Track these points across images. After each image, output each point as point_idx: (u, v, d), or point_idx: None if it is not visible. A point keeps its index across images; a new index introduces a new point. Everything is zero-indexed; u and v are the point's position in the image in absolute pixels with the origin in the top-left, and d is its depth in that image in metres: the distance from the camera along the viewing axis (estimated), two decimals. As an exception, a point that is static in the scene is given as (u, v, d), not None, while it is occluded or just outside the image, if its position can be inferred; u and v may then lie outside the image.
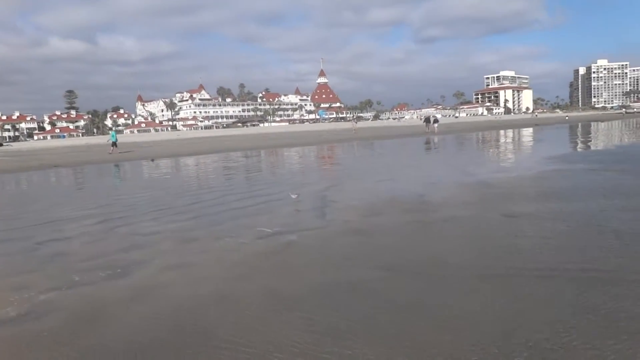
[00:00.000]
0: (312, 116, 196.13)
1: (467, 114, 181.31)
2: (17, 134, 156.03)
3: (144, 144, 46.48)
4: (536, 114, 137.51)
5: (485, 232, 6.38)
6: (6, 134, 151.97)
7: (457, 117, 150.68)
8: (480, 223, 6.84)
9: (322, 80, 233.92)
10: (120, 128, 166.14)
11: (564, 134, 36.71)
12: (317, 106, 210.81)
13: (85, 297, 4.78)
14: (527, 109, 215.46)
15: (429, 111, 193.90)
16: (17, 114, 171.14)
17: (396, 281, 4.73)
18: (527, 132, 40.38)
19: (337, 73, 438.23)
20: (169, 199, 10.91)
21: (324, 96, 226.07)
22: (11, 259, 6.41)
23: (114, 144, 32.60)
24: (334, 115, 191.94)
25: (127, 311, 4.37)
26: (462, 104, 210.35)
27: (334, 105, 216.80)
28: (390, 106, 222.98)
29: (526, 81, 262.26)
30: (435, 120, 45.84)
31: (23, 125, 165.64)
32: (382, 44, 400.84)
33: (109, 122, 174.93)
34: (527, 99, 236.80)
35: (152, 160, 25.37)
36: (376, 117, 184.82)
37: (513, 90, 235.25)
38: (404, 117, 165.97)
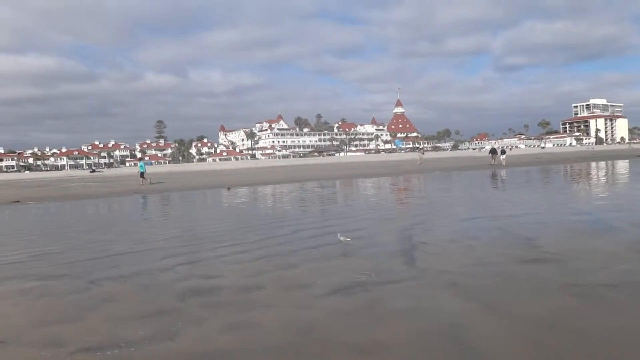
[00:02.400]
0: (388, 146, 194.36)
1: (554, 145, 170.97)
2: (111, 160, 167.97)
3: (223, 172, 47.33)
4: (630, 143, 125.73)
5: None
6: (102, 160, 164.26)
7: (543, 147, 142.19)
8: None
9: (398, 110, 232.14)
10: (203, 156, 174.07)
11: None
12: (394, 136, 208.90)
13: (120, 367, 3.80)
14: (622, 139, 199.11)
15: (511, 141, 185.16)
16: (112, 142, 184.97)
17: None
18: (628, 165, 36.26)
19: (414, 103, 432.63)
20: (239, 233, 10.04)
21: (400, 126, 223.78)
22: (57, 301, 5.66)
23: (142, 174, 30.18)
24: (411, 145, 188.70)
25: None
26: (548, 133, 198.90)
27: (410, 135, 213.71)
28: (470, 136, 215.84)
29: (620, 109, 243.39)
30: (503, 152, 42.25)
31: (117, 153, 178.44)
32: (460, 73, 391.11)
33: (193, 151, 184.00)
34: (621, 128, 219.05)
35: (228, 189, 25.18)
36: (455, 147, 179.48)
37: (605, 119, 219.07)
38: (484, 148, 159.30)
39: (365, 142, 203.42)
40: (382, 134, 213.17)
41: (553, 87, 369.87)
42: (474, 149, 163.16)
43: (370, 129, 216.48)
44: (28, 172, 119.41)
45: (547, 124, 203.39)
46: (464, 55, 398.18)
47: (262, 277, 6.31)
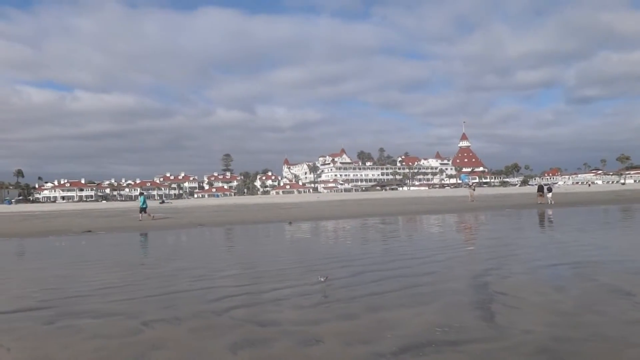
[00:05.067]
0: (453, 180, 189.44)
1: (635, 181, 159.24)
2: (180, 192, 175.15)
3: (285, 205, 47.59)
4: None
5: None
6: (172, 191, 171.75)
7: (623, 183, 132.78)
8: None
9: (464, 143, 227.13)
10: (267, 189, 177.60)
11: None
12: (459, 170, 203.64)
13: None
14: None
15: (587, 177, 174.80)
16: (182, 174, 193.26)
17: None
18: None
19: (480, 136, 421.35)
20: (299, 273, 9.57)
21: (465, 160, 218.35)
22: (107, 344, 5.38)
23: (143, 210, 28.68)
24: (477, 180, 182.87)
25: None
26: (628, 169, 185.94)
27: (477, 169, 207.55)
28: (541, 171, 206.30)
29: None
30: (549, 189, 38.44)
31: (186, 184, 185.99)
32: (530, 106, 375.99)
33: (258, 183, 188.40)
34: None
35: (290, 223, 25.02)
36: (524, 182, 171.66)
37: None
38: (557, 183, 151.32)
39: (429, 176, 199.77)
40: (446, 169, 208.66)
41: (632, 120, 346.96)
42: (545, 184, 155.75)
43: (434, 163, 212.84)
44: (105, 201, 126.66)
45: (627, 158, 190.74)
46: (534, 88, 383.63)
47: (320, 327, 5.77)
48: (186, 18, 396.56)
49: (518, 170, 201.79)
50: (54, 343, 5.50)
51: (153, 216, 29.33)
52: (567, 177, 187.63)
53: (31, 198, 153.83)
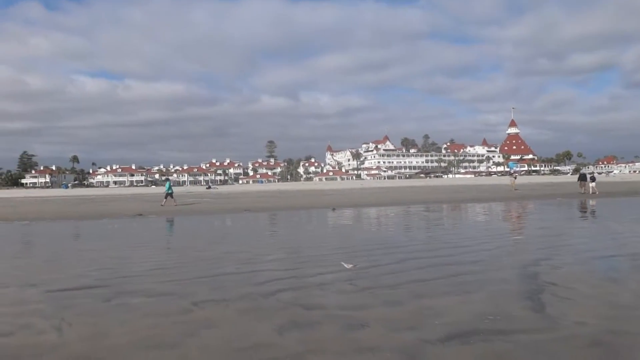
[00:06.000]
0: (500, 168, 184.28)
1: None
2: (226, 177, 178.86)
3: (329, 192, 47.79)
4: None
5: None
6: (218, 177, 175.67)
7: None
8: None
9: (512, 130, 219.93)
10: (310, 176, 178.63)
11: None
12: (507, 158, 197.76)
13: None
14: None
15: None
16: (228, 160, 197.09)
17: None
18: None
19: (530, 123, 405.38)
20: (343, 258, 9.61)
21: (514, 147, 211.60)
22: (160, 322, 5.61)
23: (169, 195, 29.20)
24: (526, 168, 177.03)
25: None
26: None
27: (525, 157, 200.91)
28: (595, 159, 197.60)
29: None
30: (592, 179, 35.79)
31: (231, 170, 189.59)
32: (584, 91, 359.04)
33: (301, 170, 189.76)
34: None
35: (334, 209, 25.14)
36: (576, 171, 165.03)
37: None
38: (612, 172, 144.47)
39: (475, 163, 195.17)
40: (494, 156, 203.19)
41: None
42: (599, 173, 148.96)
43: (480, 150, 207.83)
44: (154, 186, 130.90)
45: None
46: (589, 72, 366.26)
47: (366, 312, 5.80)
48: (232, 6, 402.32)
49: (570, 158, 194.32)
50: (111, 319, 5.78)
51: (172, 202, 29.19)
52: (623, 165, 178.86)
53: (86, 183, 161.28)
